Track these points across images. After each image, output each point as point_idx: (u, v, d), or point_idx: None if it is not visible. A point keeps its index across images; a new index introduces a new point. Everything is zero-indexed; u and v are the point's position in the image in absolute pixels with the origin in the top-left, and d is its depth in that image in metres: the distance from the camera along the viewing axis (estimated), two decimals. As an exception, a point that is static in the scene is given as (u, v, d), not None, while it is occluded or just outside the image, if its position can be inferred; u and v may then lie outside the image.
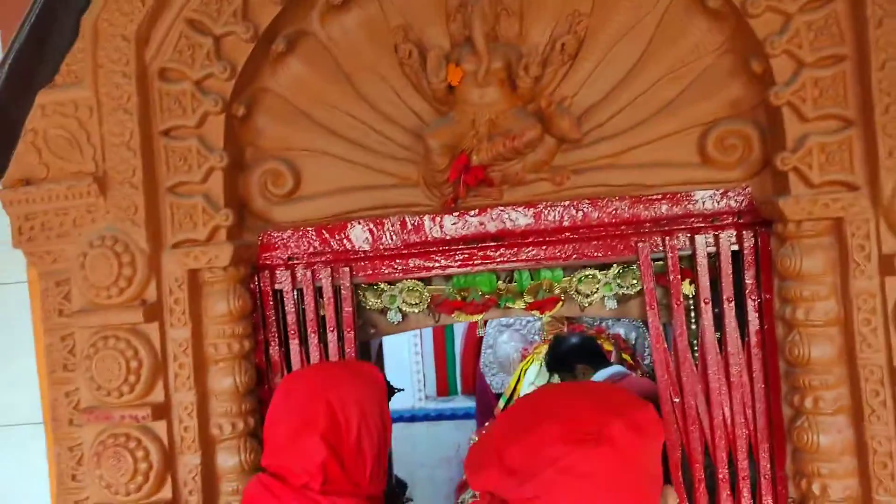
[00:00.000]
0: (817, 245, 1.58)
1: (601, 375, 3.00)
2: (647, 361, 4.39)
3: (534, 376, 4.24)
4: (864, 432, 1.54)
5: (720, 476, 1.75)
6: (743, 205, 1.70)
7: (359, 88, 1.82)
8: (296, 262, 1.88)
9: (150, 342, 1.70)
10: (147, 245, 1.70)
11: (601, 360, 3.17)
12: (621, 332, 4.47)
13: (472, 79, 1.70)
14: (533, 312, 1.94)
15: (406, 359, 5.00)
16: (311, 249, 1.86)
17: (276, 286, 1.90)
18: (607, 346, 3.90)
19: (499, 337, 4.81)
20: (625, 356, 4.19)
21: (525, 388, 4.19)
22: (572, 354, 3.17)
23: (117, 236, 1.68)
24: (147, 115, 1.70)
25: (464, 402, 4.91)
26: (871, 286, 1.52)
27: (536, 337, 4.58)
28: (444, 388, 5.10)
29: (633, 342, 4.49)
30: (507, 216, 1.77)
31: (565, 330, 4.35)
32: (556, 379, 4.08)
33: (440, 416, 4.90)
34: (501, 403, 4.33)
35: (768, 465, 1.73)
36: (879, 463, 1.53)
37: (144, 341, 1.70)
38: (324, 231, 1.85)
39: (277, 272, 1.89)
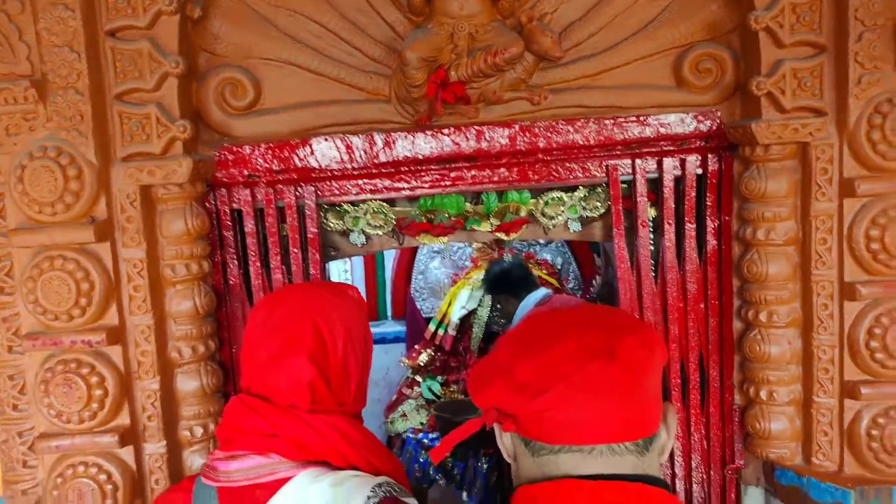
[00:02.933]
0: (782, 168, 1.65)
1: (534, 296, 3.10)
2: (570, 285, 4.56)
3: (465, 300, 4.32)
4: (811, 342, 1.67)
5: (672, 386, 1.85)
6: (712, 129, 1.74)
7: (326, -7, 1.69)
8: (256, 179, 1.77)
9: (101, 263, 1.57)
10: (95, 158, 1.54)
11: (534, 284, 3.26)
12: (548, 257, 4.61)
13: (451, -12, 1.61)
14: (499, 234, 1.94)
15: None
16: (273, 167, 1.76)
17: (234, 205, 1.79)
18: (535, 272, 4.02)
19: (430, 263, 4.83)
20: (551, 280, 4.33)
21: (456, 313, 4.28)
22: (510, 278, 3.24)
23: (61, 147, 1.51)
24: (91, 13, 1.51)
25: (394, 327, 4.94)
26: (830, 208, 1.62)
27: (467, 263, 4.64)
28: (375, 312, 5.10)
29: (559, 267, 4.64)
30: (485, 136, 1.73)
31: (496, 256, 4.42)
32: (487, 300, 4.20)
33: (370, 341, 4.91)
34: (432, 327, 4.40)
35: (717, 375, 1.85)
36: (822, 369, 1.66)
37: (96, 262, 1.56)
38: (287, 147, 1.75)
39: (236, 190, 1.78)
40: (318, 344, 1.26)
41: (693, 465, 1.86)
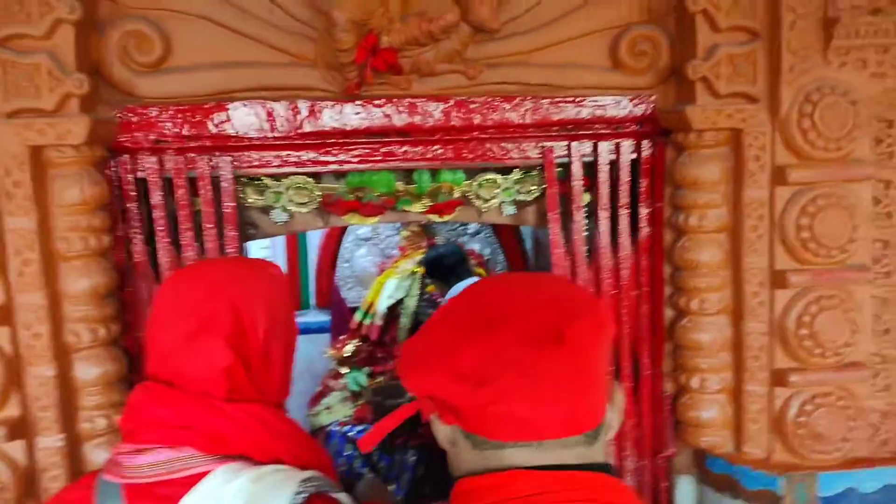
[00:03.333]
0: (714, 155, 1.64)
1: (461, 285, 3.07)
2: (498, 276, 4.55)
3: (392, 290, 4.22)
4: (741, 330, 1.67)
5: (603, 375, 1.82)
6: (646, 113, 1.71)
7: (247, -57, 1.55)
8: (164, 145, 1.61)
9: (-18, 232, 1.39)
10: (-27, 111, 1.36)
11: (468, 272, 3.22)
12: (476, 247, 4.58)
13: (384, -53, 1.51)
14: (432, 216, 1.86)
15: (255, 265, 4.74)
16: (184, 132, 1.61)
17: (139, 174, 1.63)
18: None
19: (356, 251, 4.71)
20: (480, 270, 4.29)
21: (383, 302, 4.17)
22: (442, 264, 3.19)
23: (-69, 97, 1.32)
24: (-33, -60, 1.33)
25: (318, 316, 4.77)
26: (761, 195, 1.62)
27: (395, 251, 4.53)
28: (298, 301, 4.92)
29: (487, 257, 4.62)
30: (418, 109, 1.63)
31: (425, 245, 4.35)
32: (415, 290, 4.12)
33: (293, 331, 4.74)
34: (358, 317, 4.28)
35: (649, 363, 1.83)
36: (752, 357, 1.67)
37: (-25, 231, 1.38)
38: (199, 111, 1.60)
39: (140, 157, 1.61)
40: (236, 325, 1.13)
41: (625, 453, 1.84)
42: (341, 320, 4.52)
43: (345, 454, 4.07)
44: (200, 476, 1.03)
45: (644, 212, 1.77)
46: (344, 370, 4.30)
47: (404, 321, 4.17)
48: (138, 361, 1.67)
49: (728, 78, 1.57)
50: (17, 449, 1.47)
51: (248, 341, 1.15)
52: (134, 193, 1.62)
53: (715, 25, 1.56)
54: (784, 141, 1.58)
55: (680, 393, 1.78)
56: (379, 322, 4.18)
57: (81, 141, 1.42)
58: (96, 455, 1.56)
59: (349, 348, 4.27)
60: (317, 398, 4.30)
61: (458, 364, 0.79)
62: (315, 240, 4.84)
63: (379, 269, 4.48)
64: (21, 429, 1.47)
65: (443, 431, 0.85)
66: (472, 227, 4.61)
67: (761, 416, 1.69)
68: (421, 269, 4.20)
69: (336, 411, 4.24)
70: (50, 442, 1.50)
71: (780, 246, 1.63)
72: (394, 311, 4.19)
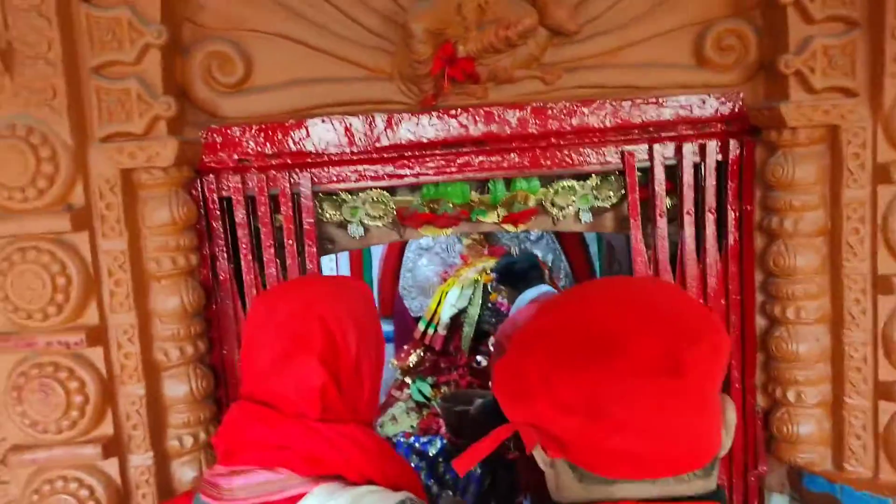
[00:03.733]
0: (810, 153, 1.55)
1: (530, 293, 3.01)
2: (562, 284, 4.47)
3: (455, 299, 4.20)
4: (841, 339, 1.57)
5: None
6: (734, 111, 1.63)
7: (322, -40, 1.56)
8: (247, 164, 1.64)
9: (79, 255, 1.43)
10: (71, 138, 1.40)
11: (538, 279, 3.17)
12: (539, 253, 4.51)
13: (458, -44, 1.49)
14: (507, 226, 1.82)
15: (325, 279, 4.80)
16: (266, 150, 1.62)
17: (224, 193, 1.65)
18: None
19: (418, 260, 4.70)
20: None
21: (446, 311, 4.16)
22: (512, 271, 3.15)
23: (32, 125, 1.37)
24: (63, -24, 1.37)
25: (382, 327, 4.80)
26: (862, 195, 1.52)
27: (456, 260, 4.51)
28: (363, 312, 4.96)
29: (550, 264, 4.54)
30: (495, 117, 1.61)
31: (486, 252, 4.32)
32: (477, 299, 4.09)
33: (358, 341, 4.77)
34: (421, 326, 4.28)
35: (739, 376, 1.75)
36: (854, 368, 1.57)
37: (73, 254, 1.42)
38: (280, 129, 1.61)
39: (225, 176, 1.64)
40: (329, 344, 1.13)
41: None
42: (405, 330, 4.53)
43: (411, 465, 4.06)
44: (297, 498, 1.03)
45: (732, 216, 1.69)
46: (408, 380, 4.31)
47: (467, 330, 4.14)
48: (225, 378, 1.70)
49: (824, 71, 1.49)
50: (111, 466, 1.51)
51: (340, 359, 1.15)
52: (218, 212, 1.65)
53: (808, 16, 1.48)
54: (887, 137, 1.49)
55: (773, 407, 1.69)
56: (442, 332, 4.16)
57: (170, 163, 1.45)
58: (183, 473, 1.58)
59: (413, 358, 4.27)
60: (382, 409, 4.31)
61: (564, 394, 0.74)
62: (378, 250, 4.88)
63: (441, 279, 4.47)
64: (115, 447, 1.51)
65: (541, 456, 0.81)
66: (535, 233, 4.54)
67: (865, 431, 1.59)
68: (484, 278, 4.17)
69: (401, 422, 4.24)
70: (140, 460, 1.53)
71: (883, 249, 1.53)
72: (457, 320, 4.17)
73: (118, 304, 1.48)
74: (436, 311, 4.24)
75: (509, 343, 0.86)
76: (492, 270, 3.42)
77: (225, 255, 1.66)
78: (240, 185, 1.63)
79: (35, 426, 1.43)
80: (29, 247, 1.40)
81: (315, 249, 1.68)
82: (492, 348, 3.86)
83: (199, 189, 1.63)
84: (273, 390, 1.14)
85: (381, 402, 4.31)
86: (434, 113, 1.61)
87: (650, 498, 0.73)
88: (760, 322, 1.71)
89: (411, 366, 4.27)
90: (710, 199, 1.70)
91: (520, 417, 0.80)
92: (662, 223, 1.72)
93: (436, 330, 4.20)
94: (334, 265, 4.96)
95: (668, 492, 0.73)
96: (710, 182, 1.69)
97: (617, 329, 0.74)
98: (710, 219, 1.70)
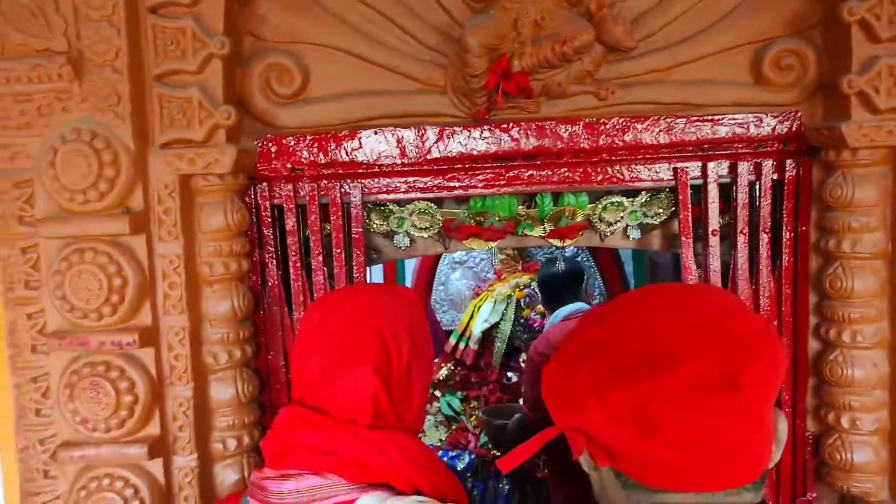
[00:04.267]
0: (870, 174, 1.52)
1: (563, 310, 2.96)
2: (595, 301, 4.42)
3: (487, 314, 4.18)
4: (900, 366, 1.53)
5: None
6: (791, 130, 1.61)
7: (379, -26, 1.58)
8: (299, 173, 1.65)
9: (135, 257, 1.46)
10: (133, 143, 1.43)
11: (576, 295, 3.11)
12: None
13: (516, -29, 1.50)
14: (553, 241, 1.81)
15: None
16: (318, 160, 1.64)
17: (276, 200, 1.67)
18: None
19: (451, 274, 4.69)
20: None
21: (478, 326, 4.13)
22: (550, 286, 3.10)
23: (96, 130, 1.40)
24: (133, -13, 1.41)
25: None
26: (924, 218, 1.48)
27: (489, 275, 4.49)
28: (394, 324, 4.96)
29: (585, 281, 4.49)
30: (547, 132, 1.60)
31: (520, 268, 4.29)
32: (509, 314, 4.05)
33: (389, 353, 4.76)
34: (453, 340, 4.26)
35: (790, 399, 1.70)
36: (913, 395, 1.52)
37: (129, 256, 1.45)
38: (333, 139, 1.63)
39: (277, 184, 1.66)
40: (382, 352, 1.13)
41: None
42: (436, 343, 4.52)
43: (439, 480, 4.03)
44: (346, 504, 1.03)
45: (787, 236, 1.66)
46: (438, 393, 4.28)
47: (499, 346, 4.11)
48: (269, 383, 1.71)
49: (889, 91, 1.46)
50: (156, 467, 1.52)
51: (392, 368, 1.15)
52: (270, 220, 1.67)
53: (874, 36, 1.45)
54: (953, 159, 1.45)
55: (825, 432, 1.64)
56: (474, 346, 4.14)
57: (227, 170, 1.48)
58: (226, 476, 1.59)
59: (444, 372, 4.25)
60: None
61: (615, 406, 0.73)
62: (411, 262, 4.88)
63: (474, 293, 4.45)
64: (160, 447, 1.52)
65: (586, 460, 0.80)
66: (570, 250, 4.50)
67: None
68: (517, 293, 4.14)
69: (429, 436, 4.22)
70: (185, 461, 1.54)
71: (946, 273, 1.49)
72: (488, 335, 4.15)
73: (171, 307, 1.50)
74: (467, 326, 4.22)
75: (557, 348, 0.85)
76: (532, 280, 3.35)
77: (274, 261, 1.68)
78: (291, 194, 1.65)
79: (85, 424, 1.45)
80: (87, 248, 1.43)
81: (363, 258, 1.69)
82: (523, 365, 3.82)
83: (252, 196, 1.66)
84: (325, 397, 1.14)
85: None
86: (486, 126, 1.62)
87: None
88: (813, 345, 1.67)
89: (441, 379, 4.25)
90: (765, 219, 1.67)
91: (568, 423, 0.80)
92: (715, 241, 1.69)
93: (467, 344, 4.17)
94: (368, 277, 4.97)
95: (715, 500, 0.73)
96: (766, 201, 1.66)
97: (673, 342, 0.73)
98: (764, 239, 1.67)
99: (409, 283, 4.87)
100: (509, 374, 4.08)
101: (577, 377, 0.78)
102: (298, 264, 1.68)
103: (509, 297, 4.18)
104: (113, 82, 1.41)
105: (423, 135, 1.63)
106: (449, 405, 4.23)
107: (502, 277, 4.31)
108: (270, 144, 1.62)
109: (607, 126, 1.61)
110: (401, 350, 1.16)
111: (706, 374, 0.70)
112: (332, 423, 1.11)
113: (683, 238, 1.70)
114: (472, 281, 4.60)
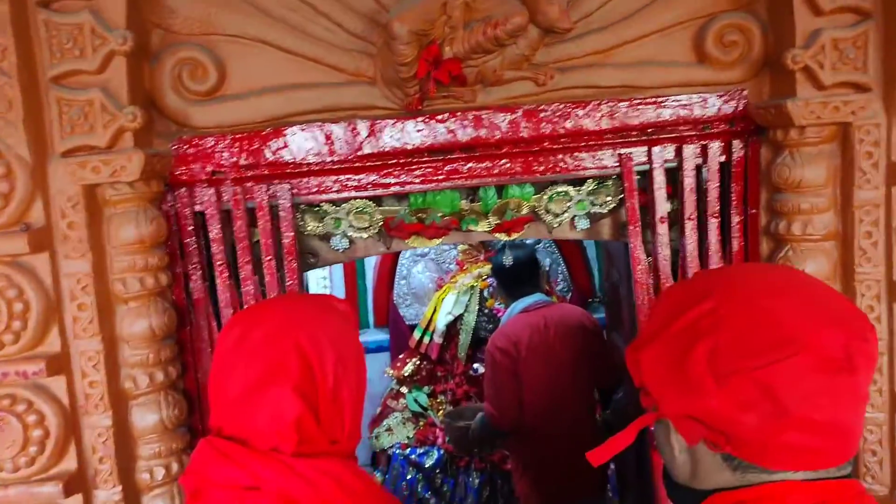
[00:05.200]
0: (819, 153, 1.46)
1: (520, 303, 2.85)
2: (559, 287, 4.37)
3: (451, 306, 4.11)
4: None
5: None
6: (737, 110, 1.55)
7: (299, -41, 1.46)
8: (221, 176, 1.54)
9: (38, 278, 1.33)
10: (28, 153, 1.30)
11: (533, 286, 3.00)
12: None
13: (442, -49, 1.40)
14: (499, 235, 1.73)
15: (314, 291, 4.69)
16: (241, 161, 1.52)
17: (197, 207, 1.55)
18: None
19: (413, 267, 4.60)
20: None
21: (442, 319, 4.06)
22: (515, 277, 2.94)
23: (-16, 140, 1.27)
24: (17, -23, 1.27)
25: (376, 335, 4.69)
26: (875, 197, 1.43)
27: (452, 266, 4.41)
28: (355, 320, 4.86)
29: (548, 269, 4.44)
30: (484, 122, 1.51)
31: (482, 259, 4.22)
32: (473, 306, 3.98)
33: (352, 351, 4.66)
34: (417, 335, 4.19)
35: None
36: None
37: (31, 277, 1.32)
38: (257, 138, 1.52)
39: (198, 189, 1.54)
40: (305, 371, 1.04)
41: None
42: (400, 339, 4.43)
43: (407, 477, 3.96)
44: (271, 545, 0.94)
45: (736, 220, 1.60)
46: (404, 390, 4.21)
47: (464, 338, 4.05)
48: (199, 405, 1.59)
49: (833, 66, 1.40)
50: (75, 504, 1.41)
51: (317, 387, 1.06)
52: (192, 228, 1.55)
53: (817, 8, 1.39)
54: (903, 133, 1.40)
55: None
56: (438, 340, 4.07)
57: (136, 177, 1.35)
58: (154, 508, 1.48)
59: (409, 368, 4.18)
60: (377, 420, 4.21)
61: (741, 388, 0.73)
62: (371, 259, 4.78)
63: (437, 285, 4.37)
64: (78, 483, 1.40)
65: (679, 443, 0.81)
66: (532, 238, 4.44)
67: (881, 446, 1.49)
68: (480, 284, 4.07)
69: (397, 433, 4.14)
70: (108, 495, 1.43)
71: (899, 252, 1.45)
72: (453, 327, 4.08)
73: (81, 330, 1.38)
74: (431, 319, 4.15)
75: (648, 328, 0.85)
76: (497, 277, 3.17)
77: (199, 273, 1.56)
78: (214, 199, 1.53)
79: (-9, 464, 1.33)
80: (-18, 271, 1.30)
81: (296, 265, 1.58)
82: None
83: (171, 204, 1.53)
84: (244, 423, 1.04)
85: (375, 413, 4.21)
86: (419, 118, 1.52)
87: (808, 479, 0.76)
88: (769, 332, 1.62)
89: (407, 375, 4.17)
90: (714, 203, 1.61)
91: (680, 410, 0.79)
92: (663, 229, 1.63)
93: (431, 338, 4.11)
94: (328, 274, 4.85)
95: (828, 475, 0.76)
96: (713, 185, 1.60)
97: (794, 325, 0.74)
98: (713, 224, 1.61)
99: (370, 279, 4.78)
100: (475, 365, 4.02)
101: (690, 360, 0.77)
102: (226, 274, 1.57)
103: (472, 287, 4.11)
104: (1, 86, 1.28)
105: (353, 129, 1.53)
106: (416, 401, 4.16)
107: (465, 268, 4.24)
108: (186, 147, 1.49)
109: (547, 113, 1.53)
110: (324, 367, 1.06)
111: (828, 355, 0.73)
112: (254, 454, 1.02)
113: (631, 227, 1.63)
114: (435, 273, 4.51)
